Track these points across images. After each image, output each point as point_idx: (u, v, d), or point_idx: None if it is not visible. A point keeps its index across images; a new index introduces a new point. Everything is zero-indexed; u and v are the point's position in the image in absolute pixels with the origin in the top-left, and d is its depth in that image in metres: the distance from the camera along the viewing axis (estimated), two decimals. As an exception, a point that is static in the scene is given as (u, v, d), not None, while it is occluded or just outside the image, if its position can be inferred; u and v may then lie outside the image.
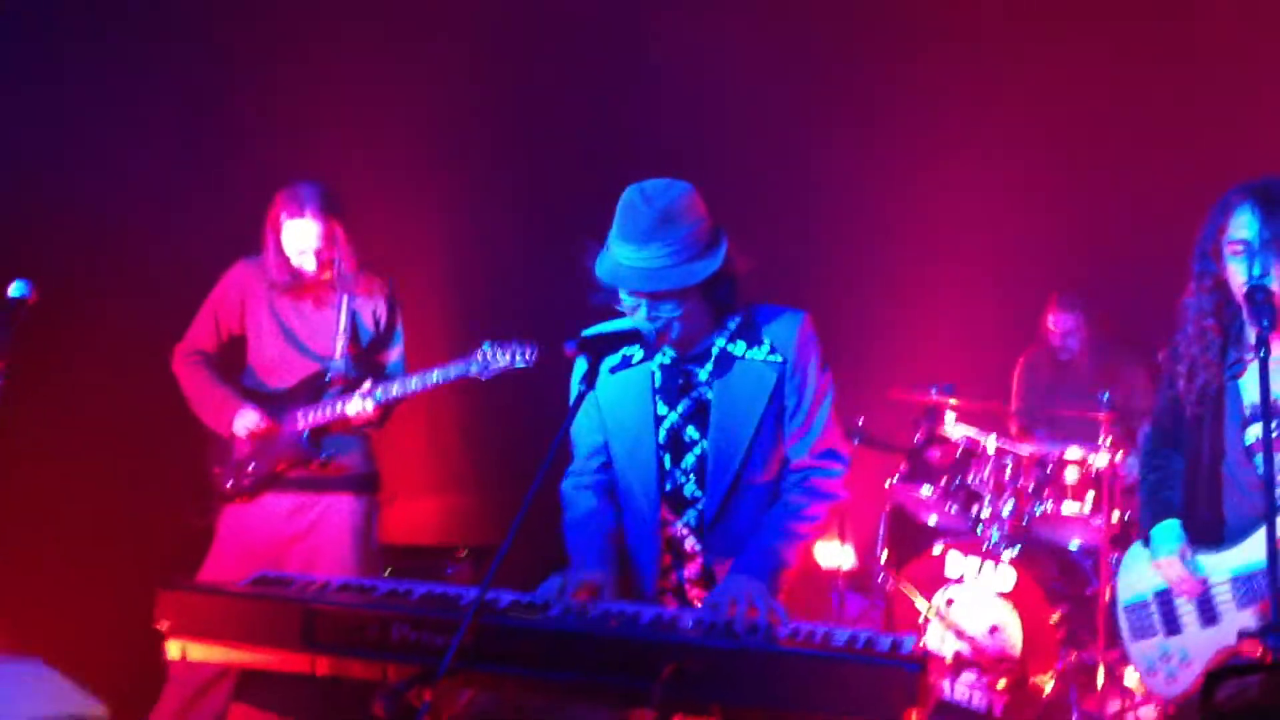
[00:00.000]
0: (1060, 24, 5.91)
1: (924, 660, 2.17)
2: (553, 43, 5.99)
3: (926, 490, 5.16)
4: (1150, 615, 3.05)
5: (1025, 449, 5.13)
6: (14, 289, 3.12)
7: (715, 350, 2.79)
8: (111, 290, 4.52)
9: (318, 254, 3.89)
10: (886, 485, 5.32)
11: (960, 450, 5.16)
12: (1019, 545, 4.88)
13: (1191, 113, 5.63)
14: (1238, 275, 2.80)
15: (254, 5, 5.04)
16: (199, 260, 4.18)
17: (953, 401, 5.26)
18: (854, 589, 5.84)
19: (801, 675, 2.21)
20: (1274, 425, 2.61)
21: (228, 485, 3.95)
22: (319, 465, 3.93)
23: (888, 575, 5.22)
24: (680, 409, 2.81)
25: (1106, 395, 4.90)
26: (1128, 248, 5.69)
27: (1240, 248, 2.78)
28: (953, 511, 5.16)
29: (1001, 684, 4.63)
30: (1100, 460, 4.83)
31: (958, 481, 5.13)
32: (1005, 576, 4.66)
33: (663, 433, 2.81)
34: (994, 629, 4.67)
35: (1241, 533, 2.86)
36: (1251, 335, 2.71)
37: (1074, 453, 4.94)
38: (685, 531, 2.83)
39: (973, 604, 4.73)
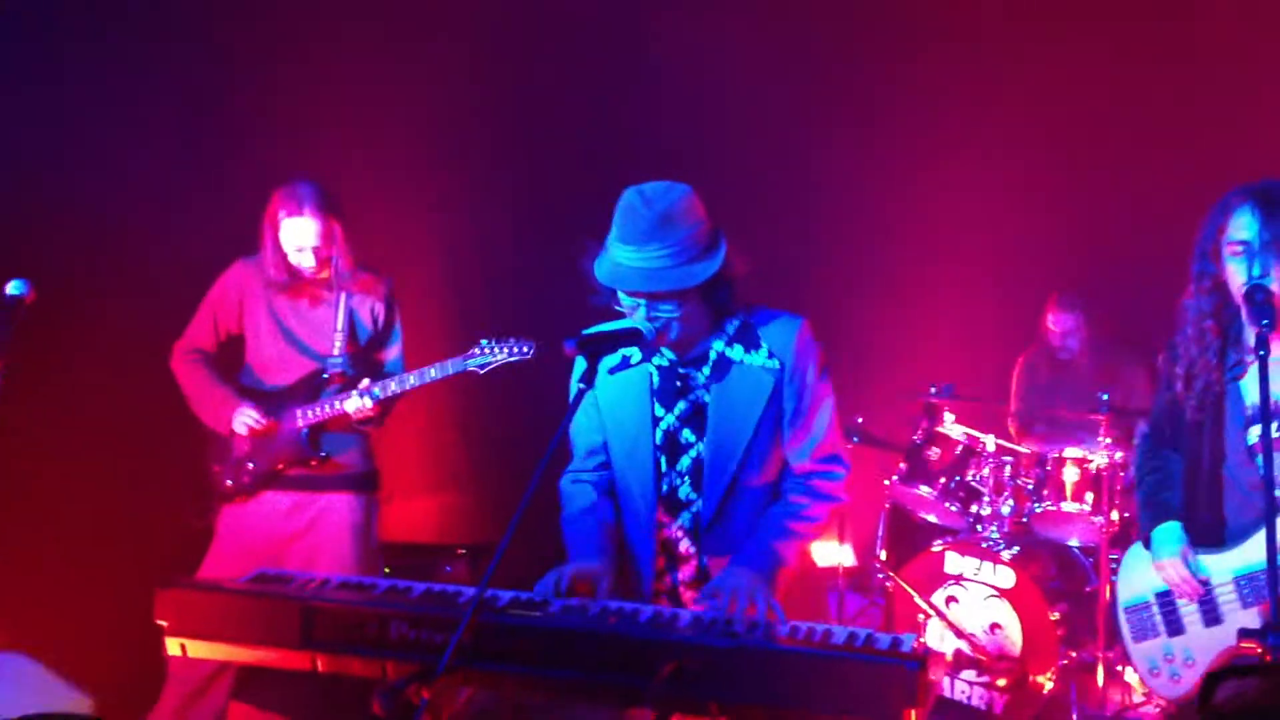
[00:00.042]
0: (1060, 24, 5.92)
1: (923, 658, 2.16)
2: (553, 43, 5.99)
3: (926, 489, 5.16)
4: (1151, 616, 3.04)
5: (1024, 448, 5.13)
6: (12, 287, 3.12)
7: (713, 354, 2.79)
8: (111, 290, 4.52)
9: (316, 252, 3.89)
10: (885, 484, 5.32)
11: (960, 449, 5.16)
12: (1018, 544, 4.88)
13: (1191, 113, 5.63)
14: (1237, 276, 2.79)
15: (254, 5, 5.04)
16: (199, 260, 4.18)
17: (952, 401, 5.26)
18: (853, 588, 5.85)
19: (801, 673, 2.20)
20: (1274, 426, 2.61)
21: (227, 483, 3.96)
22: (318, 462, 3.93)
23: (886, 574, 5.21)
24: (677, 411, 2.81)
25: (1106, 395, 4.91)
26: (1128, 248, 5.69)
27: (1240, 249, 2.78)
28: (952, 510, 5.16)
29: (1001, 682, 4.63)
30: (1100, 459, 4.83)
31: (957, 480, 5.13)
32: (1005, 575, 4.66)
33: (659, 434, 2.82)
34: (994, 627, 4.67)
35: (1243, 533, 2.85)
36: (1251, 336, 2.71)
37: (1073, 451, 4.94)
38: (681, 534, 2.83)
39: (972, 602, 4.73)
